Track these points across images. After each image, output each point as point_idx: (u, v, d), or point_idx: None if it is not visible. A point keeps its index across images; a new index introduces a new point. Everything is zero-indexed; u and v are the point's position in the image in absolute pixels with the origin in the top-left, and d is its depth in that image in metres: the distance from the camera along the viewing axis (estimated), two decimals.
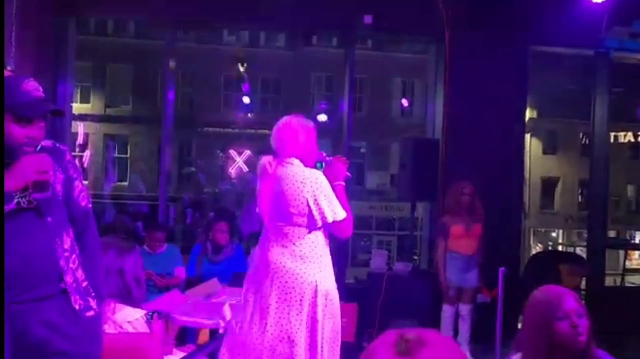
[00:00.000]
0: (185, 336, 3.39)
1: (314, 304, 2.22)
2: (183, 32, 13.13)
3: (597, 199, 5.15)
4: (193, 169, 16.04)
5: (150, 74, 15.07)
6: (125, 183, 16.46)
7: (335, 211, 2.26)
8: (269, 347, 2.21)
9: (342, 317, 2.35)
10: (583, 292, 4.80)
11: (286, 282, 2.22)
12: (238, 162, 16.11)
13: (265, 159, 2.34)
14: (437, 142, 4.58)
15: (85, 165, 14.80)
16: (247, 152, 16.04)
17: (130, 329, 2.03)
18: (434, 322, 3.84)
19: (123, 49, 15.87)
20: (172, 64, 4.62)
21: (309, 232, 2.26)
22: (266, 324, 2.22)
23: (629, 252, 10.05)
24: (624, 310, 4.34)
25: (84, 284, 1.64)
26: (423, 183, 4.28)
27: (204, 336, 3.39)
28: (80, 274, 1.64)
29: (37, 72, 1.62)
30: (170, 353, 2.35)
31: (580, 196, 18.61)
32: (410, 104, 17.20)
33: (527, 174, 13.75)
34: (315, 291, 2.22)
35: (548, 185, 18.71)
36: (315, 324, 2.22)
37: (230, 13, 4.57)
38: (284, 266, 2.23)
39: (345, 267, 4.83)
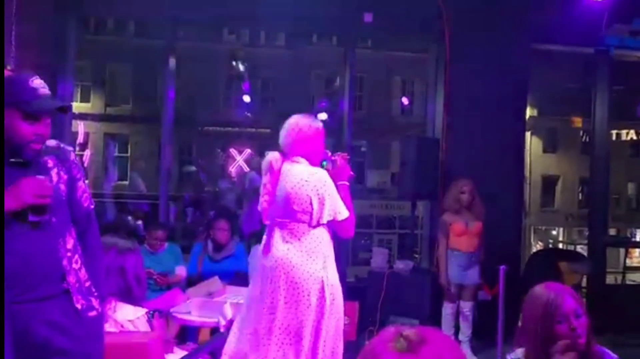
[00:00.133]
0: (186, 334, 3.39)
1: (321, 299, 2.25)
2: (183, 31, 13.13)
3: (598, 197, 5.15)
4: (194, 167, 16.04)
5: (151, 73, 15.07)
6: (126, 182, 16.45)
7: (338, 210, 2.29)
8: (277, 342, 2.23)
9: (343, 315, 2.36)
10: (584, 290, 4.80)
11: (293, 278, 2.25)
12: (238, 161, 16.12)
13: (272, 156, 2.36)
14: (437, 141, 4.58)
15: (85, 164, 14.81)
16: (248, 151, 16.04)
17: (131, 328, 2.03)
18: (435, 320, 3.84)
19: (123, 48, 15.86)
20: (172, 62, 4.61)
21: (313, 228, 2.28)
22: (274, 319, 2.24)
23: (630, 250, 10.03)
24: (624, 308, 4.35)
25: (87, 284, 1.65)
26: (423, 182, 4.28)
27: (204, 335, 3.39)
28: (83, 274, 1.64)
29: (37, 71, 1.61)
30: (171, 351, 2.35)
31: (580, 194, 18.61)
32: (411, 102, 17.20)
33: (527, 172, 13.75)
34: (322, 286, 2.25)
35: (548, 183, 18.71)
36: (321, 319, 2.24)
37: (230, 12, 4.57)
38: (290, 262, 2.26)
39: (346, 266, 4.83)
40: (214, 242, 3.93)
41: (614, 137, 14.38)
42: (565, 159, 18.44)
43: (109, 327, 1.93)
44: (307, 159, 2.35)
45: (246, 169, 15.84)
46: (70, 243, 1.64)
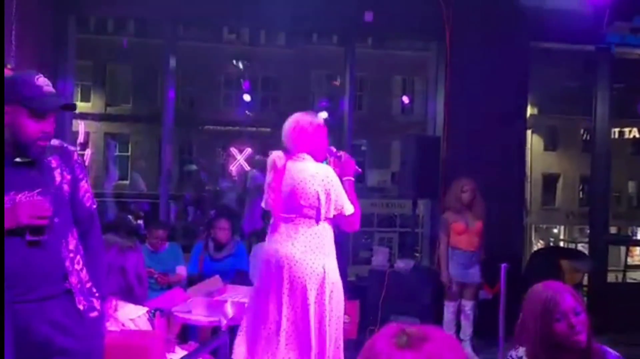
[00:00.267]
0: (186, 334, 3.40)
1: (322, 294, 2.27)
2: (183, 31, 13.13)
3: (599, 195, 5.15)
4: (195, 166, 16.05)
5: (151, 73, 15.07)
6: (126, 181, 16.46)
7: (344, 205, 2.32)
8: (286, 336, 2.26)
9: (344, 314, 2.37)
10: (585, 288, 4.80)
11: (295, 273, 2.27)
12: (239, 160, 16.12)
13: (275, 154, 2.39)
14: (438, 140, 4.57)
15: (86, 164, 14.82)
16: (248, 150, 16.04)
17: (132, 326, 2.03)
18: (436, 319, 3.84)
19: (123, 47, 15.86)
20: (172, 62, 4.61)
21: (317, 224, 2.31)
22: (281, 315, 2.26)
23: (631, 248, 10.03)
24: (625, 306, 4.34)
25: (88, 285, 1.65)
26: (424, 180, 4.28)
27: (205, 334, 3.39)
28: (84, 274, 1.64)
29: (38, 71, 1.62)
30: (172, 351, 2.35)
31: (581, 192, 18.60)
32: (411, 101, 17.19)
33: (528, 171, 13.74)
34: (323, 281, 2.27)
35: (549, 181, 18.70)
36: (323, 314, 2.27)
37: (230, 11, 4.56)
38: (293, 257, 2.28)
39: (347, 265, 4.84)
40: (214, 241, 3.93)
41: (616, 135, 14.36)
42: (566, 157, 18.43)
43: (110, 326, 1.93)
44: (311, 156, 2.37)
45: (247, 168, 15.84)
46: (72, 244, 1.64)
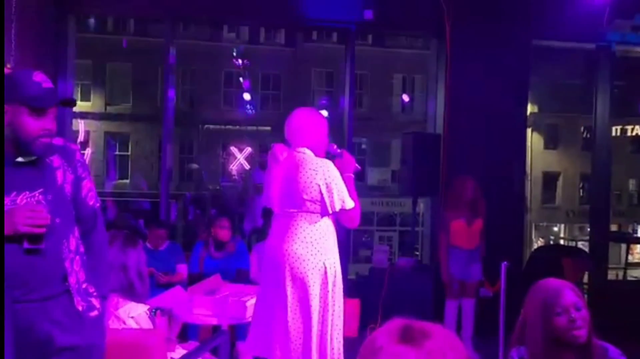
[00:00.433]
0: (187, 332, 3.40)
1: (324, 290, 2.28)
2: (183, 29, 13.12)
3: (599, 193, 5.14)
4: (196, 165, 16.05)
5: (150, 72, 15.06)
6: (127, 181, 16.47)
7: (344, 199, 2.32)
8: (292, 331, 2.27)
9: (344, 312, 2.38)
10: (585, 286, 4.80)
11: (297, 268, 2.28)
12: (239, 159, 16.11)
13: (277, 147, 2.41)
14: (438, 138, 4.57)
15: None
16: (248, 149, 16.03)
17: (133, 324, 2.03)
18: (437, 317, 3.84)
19: (123, 46, 15.85)
20: (172, 61, 4.61)
21: (319, 218, 2.32)
22: (286, 311, 2.28)
23: (631, 246, 10.04)
24: (626, 304, 4.34)
25: (84, 285, 1.64)
26: (424, 179, 4.27)
27: (206, 333, 3.39)
28: (81, 275, 1.64)
29: (38, 70, 1.62)
30: (173, 349, 2.35)
31: (581, 190, 18.59)
32: (411, 99, 17.17)
33: (528, 169, 13.73)
34: (325, 277, 2.29)
35: (549, 179, 18.69)
36: (326, 308, 2.28)
37: (230, 9, 4.56)
38: (295, 253, 2.29)
39: (347, 263, 4.84)
40: (215, 240, 3.93)
41: (618, 133, 14.35)
42: (566, 155, 18.41)
43: (111, 323, 1.93)
44: (312, 150, 2.38)
45: (247, 166, 15.85)
46: (73, 244, 1.63)
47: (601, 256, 5.00)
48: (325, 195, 2.29)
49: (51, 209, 1.57)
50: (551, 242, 18.28)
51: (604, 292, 4.73)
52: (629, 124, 15.35)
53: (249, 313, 2.78)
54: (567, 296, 1.56)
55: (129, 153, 16.76)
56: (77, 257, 1.64)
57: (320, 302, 2.27)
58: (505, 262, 3.32)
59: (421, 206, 5.07)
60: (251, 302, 2.81)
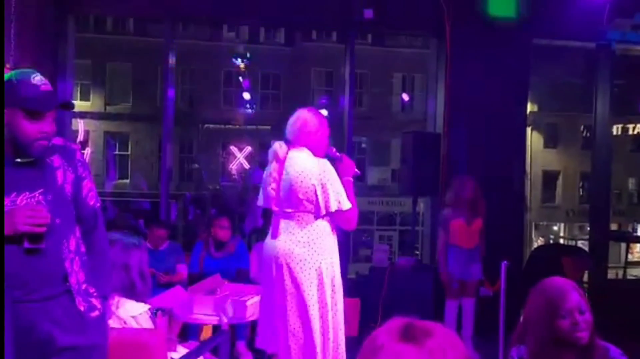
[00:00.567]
0: (187, 332, 3.40)
1: (321, 290, 2.29)
2: (183, 29, 13.11)
3: (599, 192, 5.14)
4: (197, 165, 16.05)
5: (150, 72, 15.05)
6: (127, 181, 16.46)
7: (340, 200, 2.32)
8: (292, 331, 2.29)
9: (345, 312, 2.38)
10: (585, 285, 4.80)
11: (294, 268, 2.29)
12: (239, 158, 16.11)
13: (277, 144, 2.42)
14: (438, 137, 4.57)
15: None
16: (248, 149, 16.03)
17: (134, 324, 2.03)
18: (437, 316, 3.84)
19: (122, 46, 15.84)
20: (171, 60, 4.60)
21: (316, 219, 2.32)
22: (286, 310, 2.29)
23: (631, 245, 10.04)
24: (626, 303, 4.34)
25: (84, 286, 1.64)
26: (424, 178, 4.27)
27: (206, 332, 3.39)
28: (81, 276, 1.64)
29: (37, 70, 1.61)
30: (174, 349, 2.35)
31: (581, 189, 18.60)
32: (411, 98, 17.17)
33: (528, 168, 13.73)
34: (321, 277, 2.29)
35: (549, 178, 18.69)
36: (324, 308, 2.28)
37: (229, 8, 4.55)
38: (292, 253, 2.30)
39: (348, 263, 4.84)
40: (214, 240, 3.93)
41: (619, 132, 14.33)
42: (566, 154, 18.41)
43: (111, 323, 1.93)
44: (311, 151, 2.39)
45: (247, 166, 15.85)
46: (73, 244, 1.63)
47: (601, 255, 5.00)
48: (320, 195, 2.29)
49: (51, 209, 1.56)
50: (551, 241, 18.29)
51: (604, 291, 4.73)
52: (630, 122, 15.34)
53: (249, 312, 2.79)
54: (572, 298, 1.55)
55: (129, 153, 16.75)
56: (77, 257, 1.64)
57: (318, 302, 2.28)
58: (505, 262, 3.32)
59: (421, 205, 5.07)
60: (251, 302, 2.81)
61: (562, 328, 1.53)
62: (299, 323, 2.28)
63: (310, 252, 2.29)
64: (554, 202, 18.89)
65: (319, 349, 2.25)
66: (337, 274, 2.34)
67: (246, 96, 16.02)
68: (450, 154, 4.50)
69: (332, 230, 2.37)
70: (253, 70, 15.91)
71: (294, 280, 2.29)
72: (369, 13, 4.42)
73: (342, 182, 2.36)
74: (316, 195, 2.29)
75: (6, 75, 1.60)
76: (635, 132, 15.91)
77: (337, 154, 2.48)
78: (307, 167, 2.32)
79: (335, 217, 2.36)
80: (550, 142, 18.55)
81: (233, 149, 16.22)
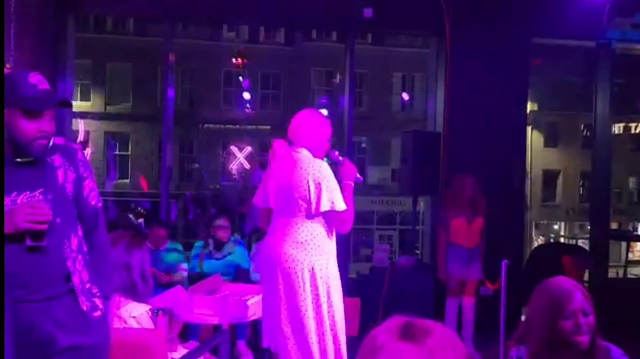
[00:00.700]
0: (187, 332, 3.40)
1: (315, 291, 2.29)
2: (182, 29, 13.11)
3: (599, 191, 5.14)
4: (197, 165, 16.05)
5: (150, 71, 15.05)
6: (127, 181, 16.47)
7: (334, 201, 2.32)
8: (289, 331, 2.29)
9: (345, 311, 2.38)
10: (586, 284, 4.80)
11: (288, 268, 2.30)
12: (239, 158, 16.11)
13: (277, 142, 2.43)
14: (438, 136, 4.56)
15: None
16: (248, 149, 16.03)
17: (134, 324, 2.03)
18: (437, 315, 3.84)
19: (122, 46, 15.84)
20: (171, 60, 4.60)
21: (312, 219, 2.32)
22: (280, 310, 2.30)
23: (631, 244, 10.04)
24: (626, 302, 4.34)
25: (87, 285, 1.64)
26: (424, 177, 4.27)
27: (207, 333, 3.39)
28: (85, 275, 1.63)
29: (37, 70, 1.61)
30: (175, 349, 2.35)
31: (581, 189, 18.59)
32: (411, 98, 17.16)
33: (528, 167, 13.72)
34: (314, 277, 2.29)
35: (549, 178, 18.69)
36: (319, 309, 2.28)
37: (229, 8, 4.55)
38: (286, 253, 2.31)
39: (348, 262, 4.84)
40: (214, 240, 3.93)
41: (621, 131, 14.31)
42: (566, 153, 18.41)
43: (112, 323, 1.93)
44: (311, 151, 2.39)
45: (247, 166, 15.85)
46: (75, 243, 1.63)
47: (601, 254, 5.00)
48: (313, 195, 2.29)
49: (52, 209, 1.56)
50: (551, 240, 18.29)
51: (604, 290, 4.73)
52: (632, 121, 15.31)
53: (250, 312, 2.79)
54: (577, 300, 1.54)
55: (129, 153, 16.76)
56: (80, 256, 1.63)
57: (312, 303, 2.27)
58: (505, 261, 3.32)
59: (421, 204, 5.06)
60: (252, 301, 2.82)
61: (564, 329, 1.52)
62: (292, 323, 2.29)
63: (304, 253, 2.29)
64: (554, 201, 18.89)
65: (314, 348, 2.25)
66: (332, 275, 2.33)
67: (246, 95, 16.02)
68: (451, 153, 4.50)
69: (329, 231, 2.36)
70: (253, 70, 15.91)
71: (287, 280, 2.29)
72: (368, 12, 4.42)
73: (342, 186, 2.36)
74: (310, 194, 2.29)
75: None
76: (638, 131, 15.87)
77: (340, 157, 2.48)
78: (303, 166, 2.32)
79: (329, 219, 2.35)
80: (551, 141, 18.55)
81: (233, 148, 16.23)
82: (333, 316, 2.30)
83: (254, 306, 2.78)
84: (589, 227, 5.85)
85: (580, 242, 13.67)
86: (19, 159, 1.57)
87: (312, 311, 2.27)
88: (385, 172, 17.18)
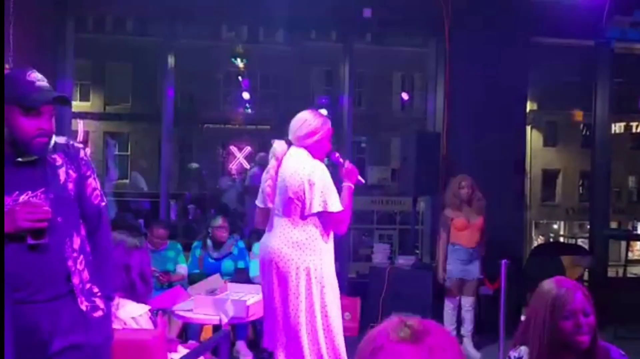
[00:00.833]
0: (187, 332, 3.40)
1: (309, 290, 2.30)
2: (182, 29, 13.09)
3: (599, 190, 5.14)
4: (197, 165, 16.04)
5: (150, 71, 15.04)
6: (126, 181, 16.46)
7: (328, 202, 2.32)
8: (286, 329, 2.31)
9: (345, 311, 2.39)
10: (585, 283, 4.80)
11: (282, 268, 2.31)
12: (239, 158, 16.11)
13: (277, 143, 2.43)
14: (438, 136, 4.57)
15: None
16: (248, 148, 16.03)
17: (134, 325, 2.03)
18: (437, 315, 3.84)
19: (122, 46, 15.83)
20: (171, 60, 4.60)
21: (308, 219, 2.33)
22: (275, 310, 2.31)
23: (631, 243, 10.02)
24: (626, 301, 4.34)
25: (88, 285, 1.63)
26: (424, 177, 4.28)
27: (207, 333, 3.40)
28: (85, 275, 1.63)
29: (36, 70, 1.61)
30: (175, 350, 2.35)
31: (581, 188, 18.60)
32: (411, 97, 17.16)
33: (528, 167, 13.72)
34: (309, 277, 2.29)
35: (549, 177, 18.70)
36: (312, 308, 2.29)
37: (229, 8, 4.55)
38: (281, 253, 2.32)
39: (348, 262, 4.84)
40: (213, 240, 3.93)
41: (622, 130, 14.30)
42: (566, 153, 18.42)
43: (112, 324, 1.92)
44: (310, 152, 2.40)
45: (246, 166, 15.84)
46: (77, 243, 1.62)
47: (601, 253, 5.00)
48: (307, 195, 2.29)
49: (53, 208, 1.56)
50: (551, 239, 18.29)
51: (604, 289, 4.73)
52: (633, 120, 15.31)
53: (250, 312, 2.79)
54: (577, 300, 1.53)
55: (129, 153, 16.75)
56: (82, 256, 1.63)
57: (306, 303, 2.28)
58: (505, 260, 3.33)
59: (421, 204, 5.06)
60: (252, 301, 2.82)
61: (565, 329, 1.52)
62: (287, 321, 2.30)
63: (299, 253, 2.30)
64: (554, 201, 18.89)
65: (306, 348, 2.25)
66: (327, 275, 2.33)
67: (246, 95, 16.01)
68: (450, 153, 4.50)
69: (324, 231, 2.36)
70: (253, 70, 15.90)
71: (283, 279, 2.30)
72: (367, 12, 4.42)
73: (342, 187, 2.37)
74: (304, 194, 2.30)
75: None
76: (639, 130, 15.87)
77: (341, 159, 2.48)
78: (299, 166, 2.33)
79: (324, 219, 2.35)
80: (550, 140, 18.56)
81: (233, 148, 16.23)
82: (326, 316, 2.30)
83: (254, 306, 2.78)
84: (588, 227, 5.86)
85: (579, 242, 13.67)
86: (20, 159, 1.57)
87: (305, 311, 2.28)
88: (385, 172, 17.15)
